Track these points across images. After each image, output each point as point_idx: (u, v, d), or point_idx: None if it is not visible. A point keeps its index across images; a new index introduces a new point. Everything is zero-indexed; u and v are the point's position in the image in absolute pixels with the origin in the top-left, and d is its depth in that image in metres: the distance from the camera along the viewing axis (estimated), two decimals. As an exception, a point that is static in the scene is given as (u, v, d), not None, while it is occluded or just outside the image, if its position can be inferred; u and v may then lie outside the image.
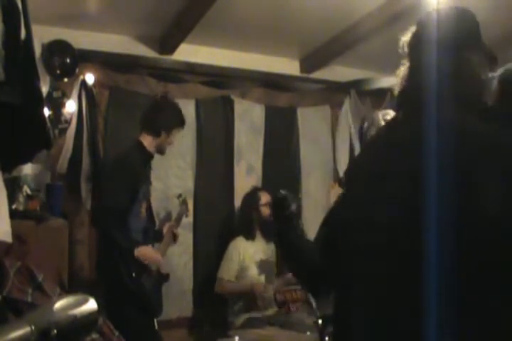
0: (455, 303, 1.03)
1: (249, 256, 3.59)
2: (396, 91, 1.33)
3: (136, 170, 2.87)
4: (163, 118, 2.97)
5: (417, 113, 1.19)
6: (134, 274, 2.75)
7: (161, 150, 3.04)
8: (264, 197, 3.70)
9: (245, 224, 3.72)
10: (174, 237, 3.24)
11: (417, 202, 1.09)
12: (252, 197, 3.75)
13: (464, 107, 1.18)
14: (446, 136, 1.09)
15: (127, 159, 2.93)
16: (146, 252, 2.81)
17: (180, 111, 3.07)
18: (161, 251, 3.10)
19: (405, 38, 1.33)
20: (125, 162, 2.92)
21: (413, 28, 1.33)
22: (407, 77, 1.30)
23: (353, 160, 1.48)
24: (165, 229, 3.25)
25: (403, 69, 1.32)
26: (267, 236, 3.67)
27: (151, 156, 3.02)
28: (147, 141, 2.96)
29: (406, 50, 1.32)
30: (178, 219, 3.34)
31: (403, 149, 1.20)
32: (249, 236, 3.67)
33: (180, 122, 3.06)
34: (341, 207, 1.37)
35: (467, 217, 1.05)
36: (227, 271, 3.58)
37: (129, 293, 2.75)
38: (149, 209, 3.04)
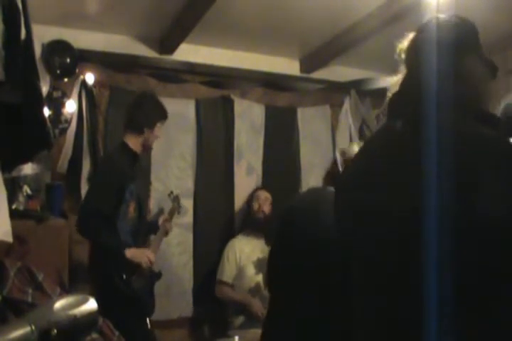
0: (455, 304, 1.03)
1: (245, 255, 3.59)
2: (390, 98, 1.30)
3: (119, 170, 2.83)
4: (143, 115, 2.91)
5: (419, 123, 1.16)
6: (124, 275, 2.73)
7: (147, 147, 2.99)
8: (258, 194, 3.83)
9: (242, 220, 3.83)
10: (166, 232, 3.23)
11: (419, 211, 1.08)
12: (250, 195, 3.91)
13: (464, 115, 1.16)
14: (448, 145, 1.07)
15: (110, 160, 2.94)
16: (136, 253, 2.78)
17: (160, 104, 2.99)
18: (155, 244, 3.10)
19: (402, 44, 1.32)
20: (107, 163, 2.93)
21: (411, 35, 1.32)
22: (404, 84, 1.27)
23: (345, 170, 1.42)
24: (160, 221, 3.25)
25: (399, 76, 1.30)
26: (263, 235, 3.67)
27: (136, 155, 2.96)
28: (131, 141, 2.91)
29: (403, 56, 1.31)
30: (170, 216, 3.32)
31: (407, 161, 1.17)
32: (245, 233, 3.71)
33: (162, 115, 2.98)
34: (338, 216, 1.33)
35: (470, 221, 1.05)
36: (225, 273, 3.58)
37: (120, 294, 2.72)
38: (140, 209, 2.98)
